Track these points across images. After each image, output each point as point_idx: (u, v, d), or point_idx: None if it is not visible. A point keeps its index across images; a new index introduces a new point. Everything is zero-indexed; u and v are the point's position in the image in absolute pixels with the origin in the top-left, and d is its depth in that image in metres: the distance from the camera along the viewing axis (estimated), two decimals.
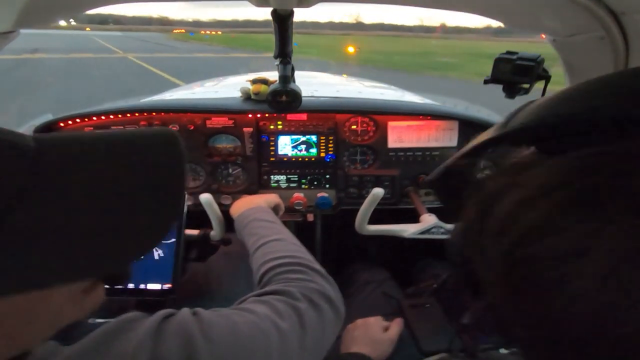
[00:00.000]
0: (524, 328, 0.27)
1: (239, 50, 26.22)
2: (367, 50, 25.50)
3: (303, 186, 1.33)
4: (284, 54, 1.01)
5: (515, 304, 0.26)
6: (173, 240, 0.91)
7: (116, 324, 0.44)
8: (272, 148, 1.29)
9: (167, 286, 0.89)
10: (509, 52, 0.85)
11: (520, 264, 0.25)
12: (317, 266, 0.68)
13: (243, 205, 0.90)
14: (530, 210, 0.24)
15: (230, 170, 1.30)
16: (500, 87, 0.81)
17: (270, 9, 0.91)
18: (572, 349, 0.23)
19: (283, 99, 1.05)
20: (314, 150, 1.30)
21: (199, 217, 1.01)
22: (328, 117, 1.27)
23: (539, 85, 0.86)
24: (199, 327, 0.46)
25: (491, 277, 0.28)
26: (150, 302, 0.89)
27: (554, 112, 0.27)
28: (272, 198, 1.00)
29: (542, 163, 0.27)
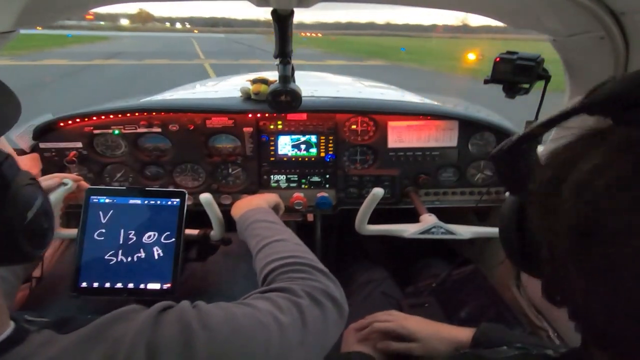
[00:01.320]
0: (588, 284, 0.29)
1: (334, 56, 21.34)
2: (484, 58, 19.33)
3: (303, 186, 1.32)
4: (284, 54, 1.01)
5: (581, 257, 0.29)
6: (173, 240, 0.91)
7: (115, 314, 0.45)
8: (272, 148, 1.29)
9: (166, 286, 0.89)
10: (509, 52, 0.85)
11: (602, 214, 0.28)
12: (321, 266, 0.68)
13: (244, 206, 0.90)
14: (614, 164, 0.28)
15: (230, 170, 1.30)
16: None
17: (269, 9, 0.91)
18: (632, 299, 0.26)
19: (283, 99, 1.04)
20: (314, 150, 1.30)
21: (199, 217, 1.01)
22: (328, 117, 1.27)
23: (539, 85, 0.86)
24: (197, 316, 0.47)
25: (561, 236, 0.31)
26: (149, 302, 0.89)
27: (627, 86, 0.30)
28: (272, 198, 1.00)
29: (618, 129, 0.30)
